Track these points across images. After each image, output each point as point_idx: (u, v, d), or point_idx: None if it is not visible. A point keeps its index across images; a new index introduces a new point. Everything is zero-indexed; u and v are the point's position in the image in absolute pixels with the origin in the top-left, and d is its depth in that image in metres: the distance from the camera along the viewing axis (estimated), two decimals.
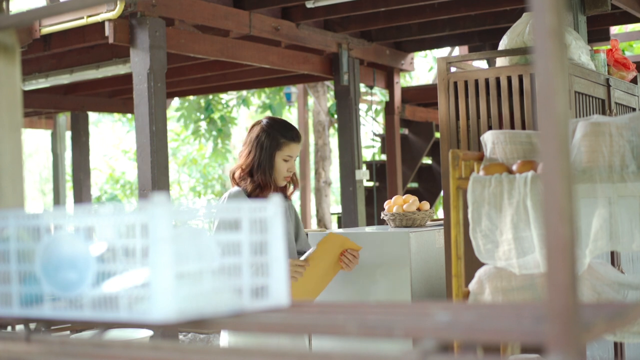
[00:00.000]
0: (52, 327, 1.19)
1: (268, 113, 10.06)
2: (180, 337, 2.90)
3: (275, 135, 2.66)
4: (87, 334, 1.14)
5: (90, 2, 1.17)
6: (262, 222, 1.18)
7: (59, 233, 1.15)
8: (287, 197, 2.78)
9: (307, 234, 2.94)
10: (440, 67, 3.09)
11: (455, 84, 3.03)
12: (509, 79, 2.94)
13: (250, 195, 2.66)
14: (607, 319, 0.92)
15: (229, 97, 10.41)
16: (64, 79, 5.95)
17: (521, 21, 3.02)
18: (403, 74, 10.01)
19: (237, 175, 2.70)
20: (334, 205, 12.91)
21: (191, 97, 9.84)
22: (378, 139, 9.11)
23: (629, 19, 5.53)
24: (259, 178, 2.64)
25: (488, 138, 2.42)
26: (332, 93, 9.59)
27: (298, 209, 11.93)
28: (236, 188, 2.68)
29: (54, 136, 9.14)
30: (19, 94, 1.25)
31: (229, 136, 10.48)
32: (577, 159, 2.01)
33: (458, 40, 6.64)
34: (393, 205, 3.74)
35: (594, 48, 3.25)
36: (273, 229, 1.18)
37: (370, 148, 10.18)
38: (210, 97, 9.99)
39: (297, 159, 2.73)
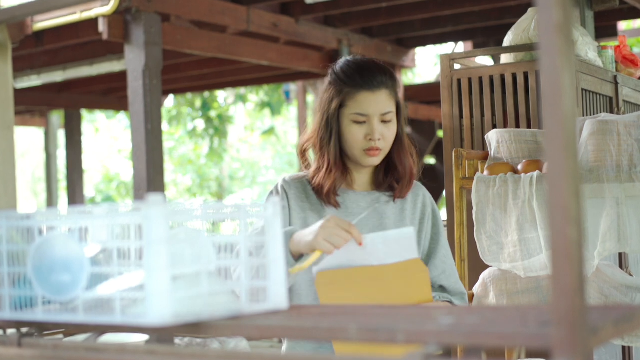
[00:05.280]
0: (45, 331, 1.17)
1: (266, 111, 10.01)
2: (177, 341, 2.88)
3: (337, 83, 1.73)
4: (80, 337, 1.12)
5: None
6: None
7: (51, 234, 1.13)
8: (396, 195, 1.78)
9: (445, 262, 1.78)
10: (443, 64, 3.06)
11: (459, 81, 3.00)
12: (514, 76, 2.90)
13: (313, 183, 1.77)
14: (614, 322, 0.90)
15: (226, 95, 10.39)
16: (57, 75, 5.92)
17: (526, 17, 2.99)
18: (405, 71, 9.97)
19: (307, 152, 1.83)
20: None
21: (188, 96, 9.83)
22: None
23: (637, 14, 5.49)
24: (319, 155, 1.76)
25: (492, 137, 2.39)
26: None
27: None
28: (295, 174, 1.85)
29: (47, 135, 9.13)
30: (10, 92, 1.23)
31: (226, 135, 10.47)
32: (583, 158, 1.98)
33: (462, 37, 6.61)
34: None
35: (602, 44, 3.21)
36: (272, 230, 1.15)
37: None
38: (207, 95, 9.98)
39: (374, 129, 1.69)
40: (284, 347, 1.83)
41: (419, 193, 1.82)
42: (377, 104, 1.69)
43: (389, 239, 1.55)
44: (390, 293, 1.56)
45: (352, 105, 1.70)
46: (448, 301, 1.73)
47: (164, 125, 11.70)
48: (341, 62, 1.78)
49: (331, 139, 1.72)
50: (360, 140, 1.70)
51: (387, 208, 1.76)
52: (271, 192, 1.81)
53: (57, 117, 9.07)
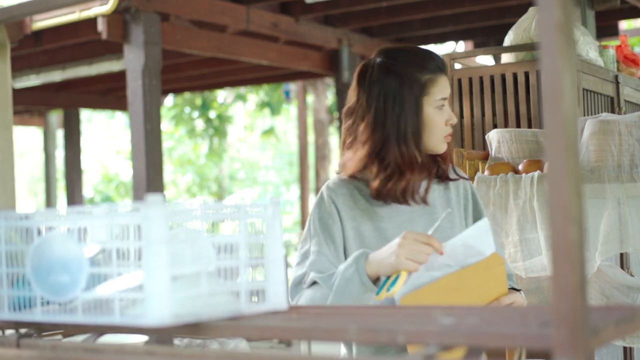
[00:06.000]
0: (44, 332, 1.16)
1: (266, 111, 10.00)
2: (176, 341, 2.87)
3: (410, 73, 1.60)
4: (79, 338, 1.11)
5: None
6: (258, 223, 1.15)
7: (50, 234, 1.12)
8: (444, 177, 1.70)
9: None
10: None
11: (460, 81, 3.00)
12: (515, 76, 2.90)
13: (382, 191, 1.62)
14: (616, 323, 0.89)
15: (225, 95, 10.40)
16: (56, 75, 5.92)
17: (527, 16, 2.99)
18: None
19: (355, 170, 1.65)
20: None
21: (187, 95, 9.83)
22: None
23: (638, 13, 5.49)
24: (397, 155, 1.59)
25: (493, 137, 2.39)
26: (332, 90, 9.58)
27: (297, 210, 11.71)
28: (337, 178, 1.69)
29: (45, 135, 9.11)
30: (9, 91, 1.23)
31: (225, 135, 10.47)
32: (584, 158, 1.97)
33: (462, 36, 6.61)
34: None
35: (603, 44, 3.20)
36: (271, 230, 1.15)
37: None
38: (207, 95, 9.98)
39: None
40: (354, 350, 1.70)
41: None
42: (449, 86, 1.64)
43: (468, 239, 1.50)
44: (471, 297, 1.52)
45: (436, 91, 1.61)
46: (513, 288, 1.67)
47: (164, 125, 11.70)
48: (393, 52, 1.65)
49: (418, 132, 1.60)
50: (442, 126, 1.62)
51: (434, 198, 1.68)
52: (317, 204, 1.68)
53: (56, 117, 9.06)
